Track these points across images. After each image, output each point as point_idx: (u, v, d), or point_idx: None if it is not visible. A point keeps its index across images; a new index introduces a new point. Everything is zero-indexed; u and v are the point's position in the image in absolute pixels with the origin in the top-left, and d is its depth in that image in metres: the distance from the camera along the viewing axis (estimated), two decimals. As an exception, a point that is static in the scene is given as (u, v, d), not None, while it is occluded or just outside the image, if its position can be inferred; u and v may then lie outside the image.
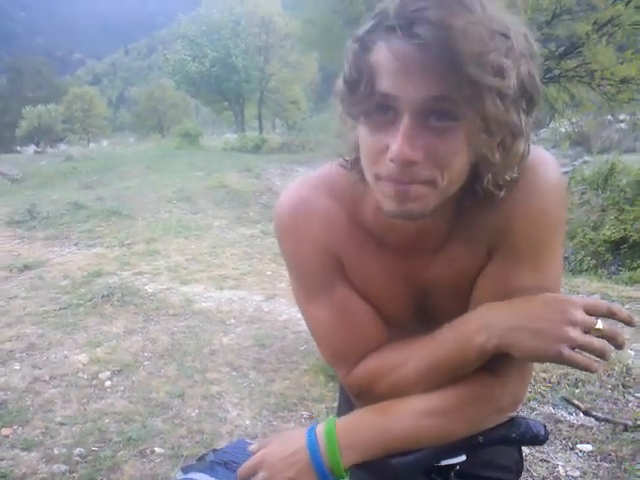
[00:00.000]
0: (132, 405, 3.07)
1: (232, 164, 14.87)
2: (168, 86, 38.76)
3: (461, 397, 0.80)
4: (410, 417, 0.80)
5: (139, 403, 3.09)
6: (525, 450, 2.61)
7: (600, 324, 0.70)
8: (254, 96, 34.02)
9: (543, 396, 3.09)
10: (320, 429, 0.82)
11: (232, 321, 4.41)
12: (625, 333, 3.99)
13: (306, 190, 0.86)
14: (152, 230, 7.54)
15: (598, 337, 0.70)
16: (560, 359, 0.69)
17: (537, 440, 0.85)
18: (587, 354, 0.71)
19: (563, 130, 17.43)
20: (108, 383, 3.32)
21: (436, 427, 0.80)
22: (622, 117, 17.69)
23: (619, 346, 0.71)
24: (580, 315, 0.70)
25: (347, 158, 0.79)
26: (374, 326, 0.87)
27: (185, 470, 1.94)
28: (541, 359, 0.73)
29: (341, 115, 0.73)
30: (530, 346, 0.71)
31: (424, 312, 0.86)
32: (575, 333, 0.69)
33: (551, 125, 17.73)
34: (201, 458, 2.04)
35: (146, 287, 5.14)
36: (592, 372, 0.71)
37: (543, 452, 2.61)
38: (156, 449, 2.65)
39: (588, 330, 0.70)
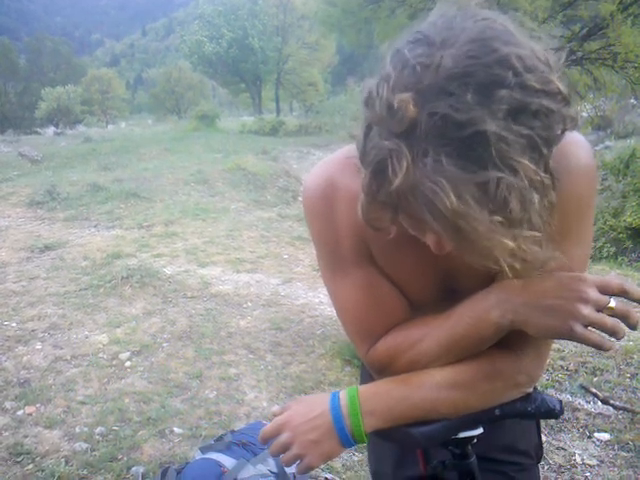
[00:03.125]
0: (151, 385, 3.12)
1: (249, 146, 14.88)
2: (185, 68, 38.73)
3: (478, 371, 0.81)
4: (429, 388, 0.82)
5: (158, 384, 3.15)
6: (542, 438, 2.62)
7: (613, 303, 0.70)
8: (271, 78, 33.88)
9: (561, 384, 3.09)
10: (343, 394, 0.84)
11: (249, 304, 4.45)
12: None
13: (334, 170, 0.86)
14: (170, 212, 7.59)
15: (611, 316, 0.71)
16: (572, 336, 0.70)
17: (553, 414, 0.87)
18: (600, 332, 0.71)
19: (585, 114, 17.17)
20: (128, 363, 3.38)
21: (454, 399, 0.82)
22: (646, 101, 17.32)
23: (632, 326, 0.71)
24: (593, 293, 0.70)
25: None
26: (398, 304, 0.88)
27: (204, 450, 2.00)
28: (554, 335, 0.74)
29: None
30: (543, 322, 0.72)
31: (450, 292, 0.86)
32: (587, 311, 0.70)
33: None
34: (219, 439, 2.10)
35: (164, 269, 5.19)
36: (605, 350, 0.71)
37: (560, 440, 2.62)
38: (175, 429, 2.70)
39: (601, 308, 0.70)
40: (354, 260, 0.87)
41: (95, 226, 6.96)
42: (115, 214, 7.47)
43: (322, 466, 2.43)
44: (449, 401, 0.82)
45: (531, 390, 0.86)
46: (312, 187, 0.87)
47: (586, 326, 0.70)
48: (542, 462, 2.43)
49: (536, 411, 0.86)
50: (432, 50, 0.59)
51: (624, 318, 0.71)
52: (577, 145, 0.76)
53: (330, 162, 0.88)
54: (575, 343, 3.52)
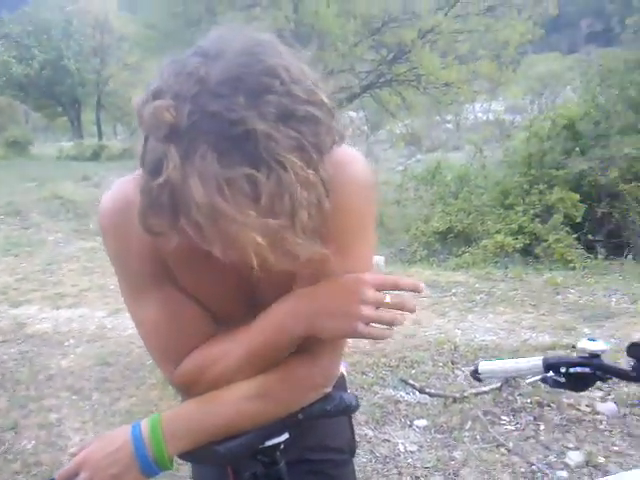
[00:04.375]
0: (-45, 445, 2.78)
1: (68, 173, 13.90)
2: (-10, 91, 35.15)
3: (277, 379, 0.84)
4: (230, 403, 0.83)
5: (-36, 442, 2.80)
6: (369, 432, 2.79)
7: (388, 298, 0.79)
8: (91, 100, 32.06)
9: (384, 380, 3.32)
10: (145, 422, 0.83)
11: (71, 341, 4.16)
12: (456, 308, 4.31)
13: (129, 189, 0.82)
14: (-26, 251, 6.83)
15: (391, 308, 0.80)
16: (357, 334, 0.78)
17: (349, 410, 0.93)
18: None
19: (398, 131, 18.74)
20: None
21: (256, 410, 0.84)
22: (448, 118, 19.40)
23: (410, 311, 0.80)
24: (371, 293, 0.78)
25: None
26: (201, 323, 0.88)
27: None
28: (343, 336, 0.81)
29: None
30: (331, 326, 0.79)
31: (255, 307, 0.87)
32: (367, 310, 0.77)
33: (387, 127, 18.99)
34: (37, 490, 1.92)
35: (-32, 315, 4.65)
36: (385, 338, 0.80)
37: (385, 432, 2.80)
38: (-15, 489, 2.43)
39: (380, 305, 0.78)
40: (153, 280, 0.86)
41: None
42: None
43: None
44: (251, 413, 0.84)
45: (330, 390, 0.90)
46: (107, 206, 0.86)
47: (368, 323, 0.78)
48: (370, 456, 2.59)
49: (335, 409, 0.90)
50: (205, 60, 0.63)
51: (400, 308, 0.79)
52: (353, 160, 0.83)
53: (126, 181, 0.86)
54: (395, 340, 3.83)
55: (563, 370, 1.08)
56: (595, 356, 1.07)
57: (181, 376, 0.87)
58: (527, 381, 1.19)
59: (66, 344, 4.11)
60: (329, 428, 1.07)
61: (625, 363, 1.10)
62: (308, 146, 0.63)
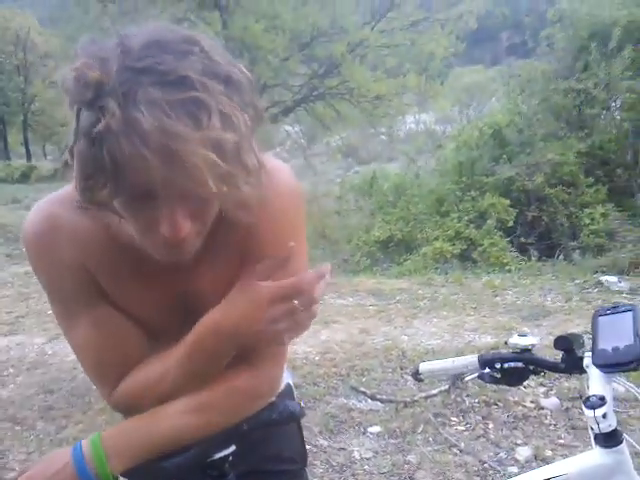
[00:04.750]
0: None
1: (-4, 196, 13.30)
2: None
3: (220, 390, 0.84)
4: (172, 417, 0.82)
5: None
6: (324, 443, 2.81)
7: (294, 303, 0.77)
8: (17, 120, 30.79)
9: (336, 389, 3.34)
10: (86, 442, 0.81)
11: (10, 370, 3.99)
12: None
13: (55, 207, 0.82)
14: None
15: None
16: (283, 344, 0.83)
17: (294, 417, 0.93)
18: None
19: (334, 144, 18.95)
20: None
21: (198, 423, 0.83)
22: (382, 130, 19.76)
23: (317, 300, 0.79)
24: (273, 313, 0.77)
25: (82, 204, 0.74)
26: (137, 343, 0.87)
27: None
28: (269, 345, 0.83)
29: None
30: (250, 342, 0.81)
31: (190, 322, 0.86)
32: (280, 326, 0.78)
33: (324, 140, 19.16)
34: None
35: None
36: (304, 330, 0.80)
37: (340, 441, 2.82)
38: None
39: (287, 314, 0.78)
40: (85, 300, 0.84)
41: None
42: None
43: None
44: (193, 426, 0.82)
45: (274, 399, 0.91)
46: (32, 225, 0.82)
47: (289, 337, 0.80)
48: (326, 465, 2.61)
49: (280, 417, 0.90)
50: (124, 36, 0.65)
51: (309, 304, 0.78)
52: (280, 172, 0.84)
53: (49, 200, 0.84)
54: (345, 350, 3.89)
55: (498, 366, 1.12)
56: (526, 350, 1.11)
57: (120, 398, 0.86)
58: (465, 379, 1.24)
59: (5, 373, 3.94)
60: (280, 438, 1.06)
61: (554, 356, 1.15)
62: (237, 100, 0.65)
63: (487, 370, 1.13)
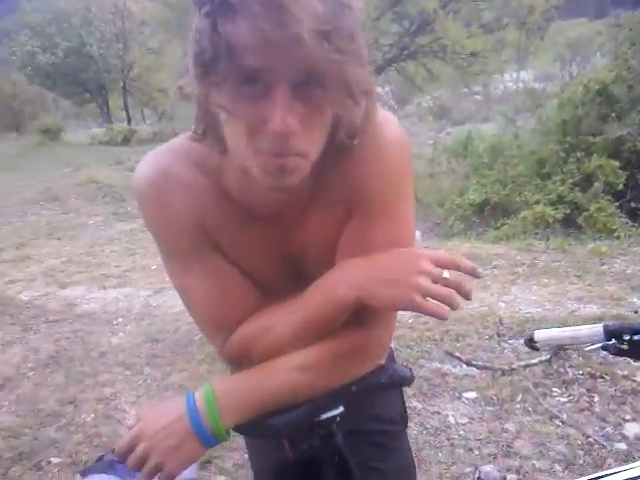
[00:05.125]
0: (20, 418, 2.89)
1: (101, 158, 14.13)
2: (20, 81, 35.65)
3: (331, 350, 0.83)
4: (284, 373, 0.82)
5: (27, 415, 2.92)
6: (418, 405, 2.81)
7: (447, 274, 0.75)
8: (117, 86, 32.32)
9: (429, 353, 3.31)
10: (199, 394, 0.81)
11: (120, 320, 4.25)
12: (499, 281, 4.28)
13: (165, 158, 0.82)
14: (20, 235, 7.04)
15: (448, 286, 0.75)
16: (413, 306, 0.73)
17: (405, 381, 0.91)
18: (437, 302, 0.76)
19: (426, 105, 18.46)
20: (-11, 401, 3.10)
21: (309, 380, 0.82)
22: (476, 89, 19.02)
23: (466, 294, 0.75)
24: (428, 266, 0.74)
25: (197, 130, 0.76)
26: (248, 293, 0.86)
27: (83, 473, 1.89)
28: (397, 307, 0.77)
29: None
30: (386, 295, 0.75)
31: (297, 276, 0.87)
32: (425, 282, 0.73)
33: (415, 101, 18.72)
34: (99, 459, 2.00)
35: (20, 295, 4.81)
36: (443, 319, 0.73)
37: (434, 405, 2.80)
38: (52, 459, 2.53)
39: (436, 280, 0.74)
40: (196, 250, 0.83)
41: None
42: (-46, 243, 6.74)
43: (212, 469, 2.42)
44: (306, 383, 0.82)
45: (383, 362, 0.89)
46: (143, 178, 0.82)
47: (424, 297, 0.73)
48: (420, 428, 2.61)
49: (390, 381, 0.89)
50: None
51: (457, 287, 0.75)
52: (388, 123, 0.80)
53: (161, 152, 0.84)
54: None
55: (627, 337, 1.03)
56: (658, 321, 1.01)
57: (232, 348, 0.87)
58: (586, 349, 1.15)
59: (115, 323, 4.21)
60: (381, 399, 1.07)
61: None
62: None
63: (613, 341, 1.05)
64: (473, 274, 0.77)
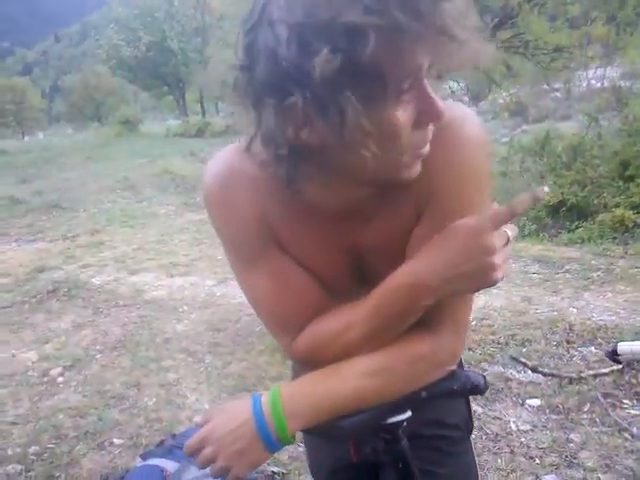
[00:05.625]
0: (86, 399, 3.02)
1: (176, 150, 14.60)
2: (104, 73, 37.43)
3: (401, 355, 0.81)
4: (352, 379, 0.80)
5: (94, 396, 3.05)
6: (478, 409, 2.72)
7: (510, 232, 0.73)
8: (194, 79, 33.32)
9: (493, 357, 3.20)
10: (265, 399, 0.81)
11: (185, 308, 4.37)
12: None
13: (235, 158, 0.82)
14: (95, 221, 7.38)
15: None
16: (496, 283, 0.73)
17: (478, 390, 0.87)
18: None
19: (501, 101, 17.88)
20: (60, 379, 3.25)
21: (379, 386, 0.80)
22: (557, 86, 18.23)
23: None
24: (495, 242, 0.71)
25: (245, 141, 0.74)
26: (315, 293, 0.85)
27: (144, 456, 1.95)
28: (481, 289, 0.76)
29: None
30: (468, 287, 0.76)
31: (363, 276, 0.85)
32: (499, 259, 0.72)
33: (490, 97, 18.18)
34: (160, 444, 2.05)
35: (93, 279, 5.03)
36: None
37: (495, 410, 2.71)
38: (114, 440, 2.63)
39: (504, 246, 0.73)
40: (262, 249, 0.83)
41: (16, 241, 6.65)
42: (37, 227, 7.16)
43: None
44: (375, 389, 0.81)
45: (455, 368, 0.86)
46: (211, 176, 0.83)
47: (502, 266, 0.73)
48: (480, 433, 2.52)
49: (462, 388, 0.86)
50: None
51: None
52: (465, 119, 0.77)
53: (228, 151, 0.84)
54: (504, 317, 3.69)
55: None
56: None
57: (301, 348, 0.86)
58: None
59: (180, 310, 4.33)
60: (446, 405, 1.03)
61: None
62: None
63: None
64: (538, 199, 0.72)
